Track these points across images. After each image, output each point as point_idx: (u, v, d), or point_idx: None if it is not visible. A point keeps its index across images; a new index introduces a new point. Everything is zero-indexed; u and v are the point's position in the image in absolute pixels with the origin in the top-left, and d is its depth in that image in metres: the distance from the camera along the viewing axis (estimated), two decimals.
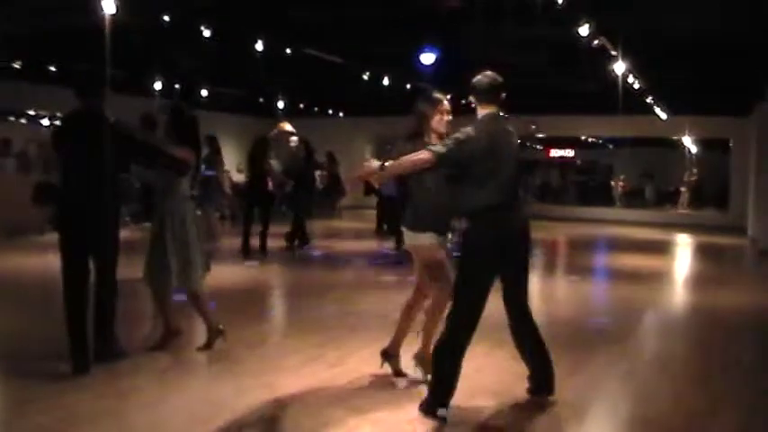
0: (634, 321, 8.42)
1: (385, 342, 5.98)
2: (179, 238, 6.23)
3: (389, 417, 4.90)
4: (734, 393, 5.73)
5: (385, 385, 5.56)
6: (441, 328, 5.18)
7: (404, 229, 5.61)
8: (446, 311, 5.27)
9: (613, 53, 13.59)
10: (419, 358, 5.72)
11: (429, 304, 5.69)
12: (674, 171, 32.59)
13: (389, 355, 5.86)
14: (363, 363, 6.16)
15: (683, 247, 18.94)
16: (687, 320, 9.03)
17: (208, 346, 6.46)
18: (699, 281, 12.50)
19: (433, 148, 5.02)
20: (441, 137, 5.42)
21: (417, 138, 5.47)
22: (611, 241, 18.97)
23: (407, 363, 5.81)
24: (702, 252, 17.52)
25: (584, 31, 11.53)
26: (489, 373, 5.92)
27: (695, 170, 29.16)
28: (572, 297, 8.31)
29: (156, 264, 6.25)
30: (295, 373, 5.85)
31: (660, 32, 12.44)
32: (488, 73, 5.17)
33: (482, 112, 5.13)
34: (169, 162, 6.18)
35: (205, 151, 15.73)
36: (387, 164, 5.09)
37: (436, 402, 4.90)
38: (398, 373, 5.82)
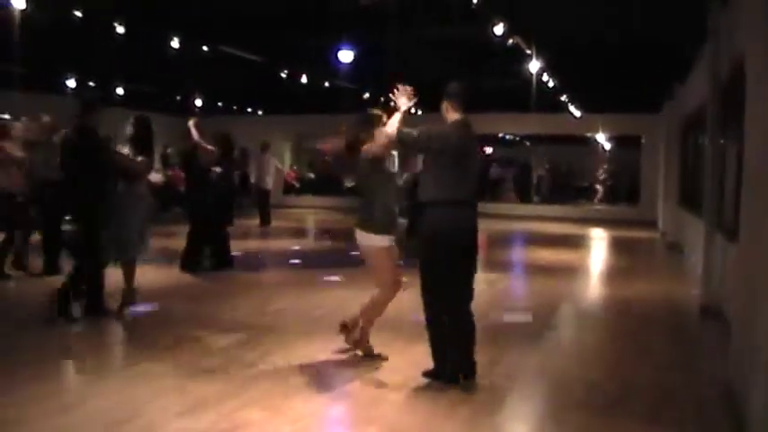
0: (550, 314, 8.60)
1: (302, 341, 6.02)
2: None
3: (308, 416, 4.90)
4: (645, 381, 5.93)
5: (302, 385, 5.56)
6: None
7: (357, 228, 6.12)
8: (376, 312, 6.18)
9: (528, 52, 13.83)
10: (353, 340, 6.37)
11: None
12: (589, 167, 33.45)
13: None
14: (281, 362, 6.14)
15: (597, 240, 19.42)
16: (600, 311, 9.27)
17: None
18: (611, 273, 12.84)
19: (404, 130, 5.66)
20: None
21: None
22: (528, 236, 19.31)
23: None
24: (615, 245, 17.99)
25: (498, 30, 11.69)
26: (409, 364, 5.99)
27: (606, 166, 30.04)
28: (490, 291, 8.49)
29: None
30: (213, 373, 5.79)
31: (575, 32, 12.70)
32: (460, 83, 5.80)
33: (453, 116, 5.69)
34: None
35: None
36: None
37: (440, 373, 5.59)
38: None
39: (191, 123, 10.71)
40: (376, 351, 6.34)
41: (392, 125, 5.73)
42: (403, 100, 5.85)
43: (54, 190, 10.11)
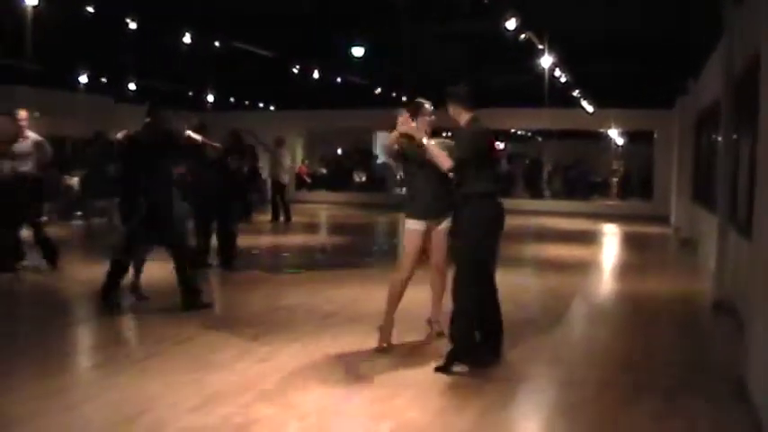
0: (562, 309, 8.59)
1: (313, 336, 6.37)
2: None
3: (319, 411, 4.91)
4: (656, 376, 5.92)
5: (314, 380, 5.56)
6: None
7: (403, 214, 6.53)
8: (392, 304, 6.38)
9: (540, 47, 13.79)
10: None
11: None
12: (602, 162, 33.32)
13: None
14: (293, 357, 6.16)
15: (610, 236, 19.36)
16: (613, 307, 9.26)
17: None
18: (624, 269, 12.80)
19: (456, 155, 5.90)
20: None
21: None
22: (539, 232, 19.25)
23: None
24: (628, 241, 17.92)
25: (511, 25, 11.67)
26: (422, 359, 6.00)
27: (619, 162, 29.90)
28: (501, 286, 8.47)
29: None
30: (224, 368, 5.81)
31: (587, 27, 12.65)
32: (463, 84, 6.08)
33: (466, 116, 6.01)
34: None
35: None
36: (428, 143, 5.98)
37: (466, 354, 5.79)
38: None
39: (188, 132, 10.71)
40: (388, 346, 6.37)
41: (443, 160, 5.86)
42: (419, 127, 6.09)
43: (39, 187, 10.19)
